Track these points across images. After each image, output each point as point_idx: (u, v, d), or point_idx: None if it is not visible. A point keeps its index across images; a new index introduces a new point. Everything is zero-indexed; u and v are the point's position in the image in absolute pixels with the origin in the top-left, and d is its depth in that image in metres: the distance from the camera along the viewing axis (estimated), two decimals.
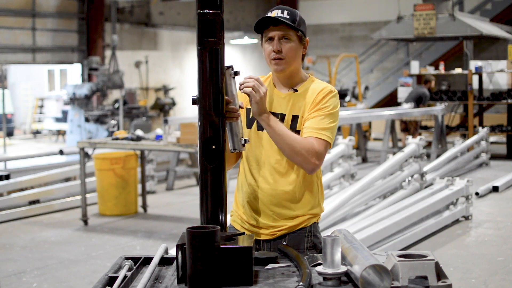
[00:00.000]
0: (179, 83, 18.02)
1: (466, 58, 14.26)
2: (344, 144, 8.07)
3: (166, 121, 8.50)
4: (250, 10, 19.88)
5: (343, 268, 1.98)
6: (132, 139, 7.69)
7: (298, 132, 2.59)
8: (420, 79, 14.25)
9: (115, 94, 15.20)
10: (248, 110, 2.66)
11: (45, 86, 21.58)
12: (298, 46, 2.61)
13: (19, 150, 15.58)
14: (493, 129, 13.03)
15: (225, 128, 2.31)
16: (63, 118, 17.83)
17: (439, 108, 12.30)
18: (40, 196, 8.60)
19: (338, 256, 1.98)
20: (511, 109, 13.29)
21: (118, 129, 10.89)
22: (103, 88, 14.04)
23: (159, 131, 8.78)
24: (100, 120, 13.70)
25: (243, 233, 2.32)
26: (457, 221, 7.37)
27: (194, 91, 2.28)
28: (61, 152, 9.63)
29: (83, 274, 5.70)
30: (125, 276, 2.10)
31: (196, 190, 6.65)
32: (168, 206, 8.86)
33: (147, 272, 2.09)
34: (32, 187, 8.87)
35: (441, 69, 13.98)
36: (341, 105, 13.30)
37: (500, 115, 15.52)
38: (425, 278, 1.90)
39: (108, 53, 15.30)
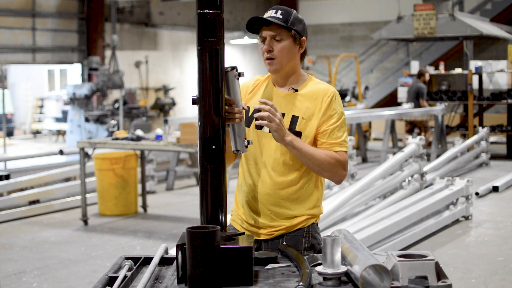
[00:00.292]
0: (179, 83, 18.02)
1: (466, 58, 14.26)
2: None
3: (166, 121, 8.50)
4: (250, 10, 19.88)
5: (343, 268, 1.98)
6: (132, 139, 7.69)
7: (299, 133, 2.59)
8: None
9: (115, 94, 15.20)
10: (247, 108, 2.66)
11: (45, 86, 21.58)
12: (292, 45, 2.61)
13: (19, 150, 15.58)
14: (493, 129, 13.03)
15: (225, 128, 2.31)
16: (63, 118, 17.83)
17: (439, 108, 12.30)
18: (40, 196, 8.60)
19: (338, 256, 1.98)
20: (511, 109, 13.29)
21: (118, 129, 10.89)
22: (103, 88, 14.04)
23: (159, 131, 8.77)
24: (100, 120, 13.70)
25: (243, 233, 2.32)
26: (457, 221, 7.37)
27: (194, 91, 2.28)
28: (61, 152, 9.63)
29: (83, 274, 5.70)
30: (125, 276, 2.10)
31: (196, 190, 6.65)
32: (168, 206, 8.86)
33: (147, 272, 2.09)
34: (32, 187, 8.86)
35: (441, 69, 13.98)
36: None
37: (500, 115, 15.52)
38: (425, 278, 1.90)
39: (108, 53, 15.30)
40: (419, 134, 12.39)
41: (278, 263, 2.25)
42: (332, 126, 2.60)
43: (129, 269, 2.19)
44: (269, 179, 2.62)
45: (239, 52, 19.37)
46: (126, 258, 2.30)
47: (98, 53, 15.11)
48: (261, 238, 2.65)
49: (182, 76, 18.19)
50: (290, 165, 2.61)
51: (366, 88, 16.03)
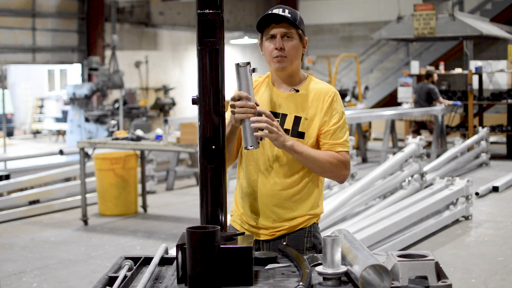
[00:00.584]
0: (179, 83, 18.02)
1: (466, 58, 14.26)
2: None
3: (166, 121, 8.50)
4: (250, 10, 19.89)
5: (343, 268, 1.98)
6: (132, 139, 7.69)
7: (302, 134, 2.58)
8: (420, 78, 14.25)
9: (115, 94, 15.20)
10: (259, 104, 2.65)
11: (45, 86, 21.58)
12: (299, 44, 2.61)
13: (19, 150, 15.58)
14: (493, 129, 13.03)
15: (225, 128, 2.31)
16: (63, 118, 17.83)
17: (439, 108, 12.30)
18: (40, 196, 8.60)
19: (338, 256, 1.98)
20: (511, 109, 13.29)
21: (118, 129, 10.89)
22: (103, 88, 14.04)
23: (159, 131, 8.78)
24: (100, 120, 13.70)
25: (243, 233, 2.32)
26: (457, 221, 7.37)
27: (194, 91, 2.28)
28: (61, 152, 9.63)
29: (83, 274, 5.70)
30: (125, 276, 2.10)
31: (196, 190, 6.66)
32: (168, 206, 8.86)
33: (147, 272, 2.09)
34: (32, 187, 8.86)
35: (441, 69, 13.98)
36: None
37: (500, 115, 15.52)
38: (425, 278, 1.90)
39: (108, 53, 15.30)
40: (430, 133, 12.33)
41: (278, 263, 2.25)
42: (334, 127, 2.59)
43: (129, 269, 2.19)
44: (271, 180, 2.61)
45: (239, 52, 19.37)
46: (126, 258, 2.30)
47: (98, 53, 15.11)
48: (263, 239, 2.64)
49: (182, 76, 18.19)
50: (292, 166, 2.61)
51: (366, 88, 16.03)
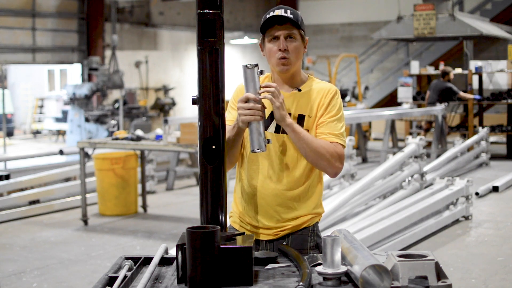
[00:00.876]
0: (179, 83, 18.02)
1: (466, 58, 14.26)
2: None
3: (166, 121, 8.50)
4: (250, 10, 19.88)
5: (343, 268, 1.98)
6: (132, 139, 7.69)
7: (306, 131, 2.58)
8: (420, 79, 14.26)
9: (115, 94, 15.20)
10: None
11: (45, 86, 21.58)
12: (301, 45, 2.61)
13: (19, 150, 15.58)
14: (493, 129, 13.03)
15: (225, 128, 2.30)
16: (63, 118, 17.83)
17: (439, 108, 12.30)
18: (40, 196, 8.60)
19: (338, 256, 1.98)
20: (511, 109, 13.29)
21: (118, 129, 10.89)
22: (103, 88, 14.04)
23: (159, 131, 8.77)
24: (100, 120, 13.70)
25: (243, 233, 2.32)
26: (457, 221, 7.37)
27: (194, 91, 2.28)
28: (61, 152, 9.63)
29: (83, 274, 5.70)
30: (125, 276, 2.10)
31: (196, 190, 6.66)
32: (168, 206, 8.86)
33: (147, 272, 2.09)
34: (32, 187, 8.86)
35: (441, 69, 13.96)
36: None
37: (500, 115, 15.52)
38: (425, 278, 1.90)
39: (108, 53, 15.30)
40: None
41: (278, 263, 2.25)
42: (331, 118, 2.59)
43: (129, 269, 2.19)
44: (274, 180, 2.60)
45: (239, 52, 19.36)
46: (126, 258, 2.30)
47: (98, 53, 15.11)
48: (265, 239, 2.64)
49: (182, 76, 18.19)
50: (295, 165, 2.60)
51: (366, 88, 16.03)
